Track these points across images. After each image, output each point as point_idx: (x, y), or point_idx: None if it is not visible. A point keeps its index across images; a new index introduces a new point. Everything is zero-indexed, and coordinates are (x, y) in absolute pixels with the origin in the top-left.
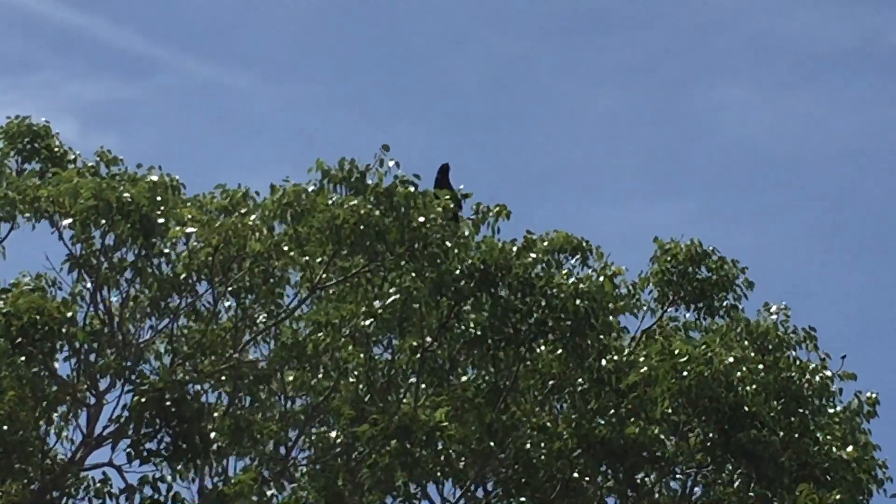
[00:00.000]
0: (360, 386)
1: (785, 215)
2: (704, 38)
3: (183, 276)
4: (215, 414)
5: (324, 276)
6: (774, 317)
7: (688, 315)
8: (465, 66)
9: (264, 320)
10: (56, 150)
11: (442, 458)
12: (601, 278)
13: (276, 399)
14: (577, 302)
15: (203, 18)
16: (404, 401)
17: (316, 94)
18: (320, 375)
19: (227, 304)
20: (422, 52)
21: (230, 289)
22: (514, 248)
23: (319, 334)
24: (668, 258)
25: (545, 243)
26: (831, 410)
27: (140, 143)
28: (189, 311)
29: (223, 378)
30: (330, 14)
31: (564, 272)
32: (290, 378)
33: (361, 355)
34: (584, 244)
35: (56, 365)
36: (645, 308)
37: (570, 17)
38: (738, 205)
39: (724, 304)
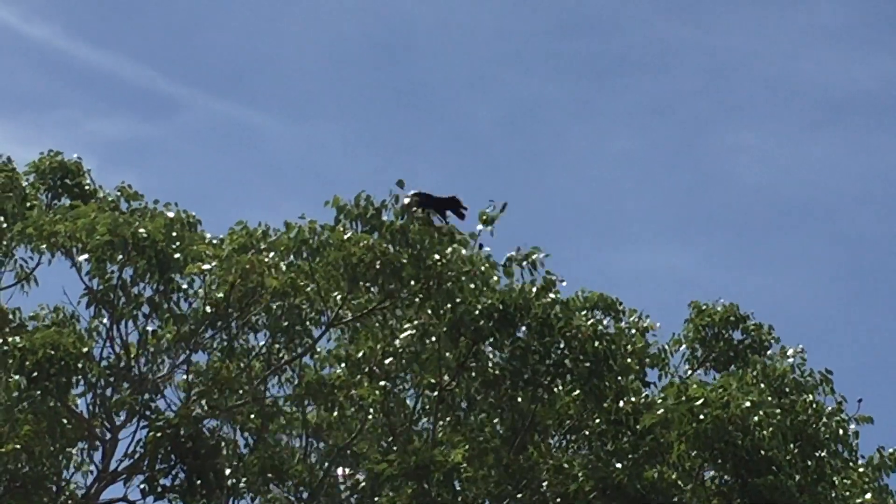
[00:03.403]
0: (379, 429)
1: (802, 259)
2: (722, 82)
3: (200, 312)
4: (236, 451)
5: (340, 312)
6: (791, 360)
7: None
8: (483, 108)
9: (286, 357)
10: (87, 187)
11: (459, 499)
12: (633, 331)
13: (299, 438)
14: (596, 344)
15: (223, 58)
16: (422, 439)
17: (334, 134)
18: (336, 413)
19: (244, 340)
20: (439, 93)
21: (247, 325)
22: (534, 290)
23: (338, 371)
24: (705, 319)
25: (582, 300)
26: (852, 465)
27: (159, 181)
28: (206, 346)
29: (242, 415)
30: (349, 55)
31: (584, 315)
32: (312, 417)
33: (377, 392)
34: (618, 303)
35: (78, 401)
36: (676, 367)
37: (587, 59)
38: (755, 248)
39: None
